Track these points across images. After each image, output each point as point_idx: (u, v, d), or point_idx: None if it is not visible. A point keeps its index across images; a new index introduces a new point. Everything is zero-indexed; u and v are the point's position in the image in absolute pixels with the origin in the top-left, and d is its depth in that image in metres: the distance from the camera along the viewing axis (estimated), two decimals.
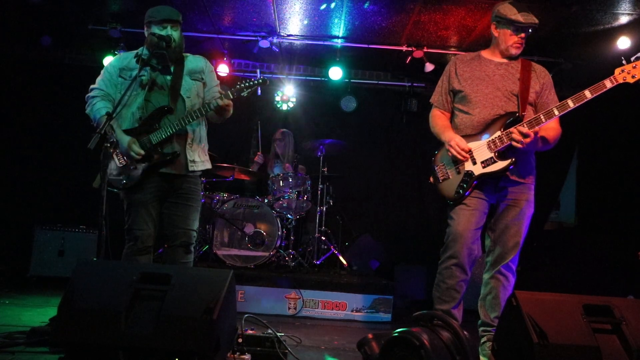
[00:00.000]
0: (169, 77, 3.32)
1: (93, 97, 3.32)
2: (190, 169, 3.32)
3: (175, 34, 3.28)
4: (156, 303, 2.30)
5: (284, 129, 6.50)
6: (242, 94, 3.25)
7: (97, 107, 3.26)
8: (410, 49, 5.90)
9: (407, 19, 5.33)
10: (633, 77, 2.86)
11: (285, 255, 5.44)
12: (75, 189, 6.43)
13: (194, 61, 3.45)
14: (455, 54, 5.82)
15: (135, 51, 3.34)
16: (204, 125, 3.49)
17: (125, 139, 3.19)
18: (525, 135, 2.95)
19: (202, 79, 3.44)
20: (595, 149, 6.61)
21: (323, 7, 5.12)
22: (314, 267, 5.47)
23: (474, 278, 3.27)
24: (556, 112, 2.97)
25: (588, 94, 2.90)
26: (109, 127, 2.88)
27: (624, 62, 2.89)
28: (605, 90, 2.89)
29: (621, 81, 2.88)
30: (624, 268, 5.29)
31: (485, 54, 3.32)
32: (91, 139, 2.76)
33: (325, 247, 5.73)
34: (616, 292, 4.97)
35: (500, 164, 3.05)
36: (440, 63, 5.88)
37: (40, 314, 3.85)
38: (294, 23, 5.59)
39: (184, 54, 3.44)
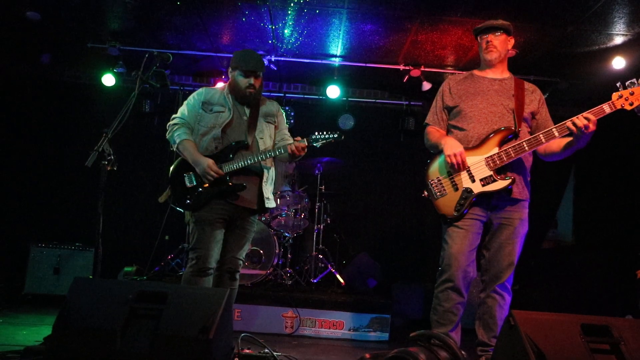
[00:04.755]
0: (245, 118, 3.48)
1: (174, 124, 3.49)
2: (267, 205, 3.48)
3: (257, 82, 3.44)
4: (152, 322, 2.28)
5: None
6: (315, 145, 3.40)
7: (178, 133, 3.42)
8: (407, 67, 5.94)
9: (404, 39, 5.38)
10: (631, 104, 2.91)
11: (283, 273, 5.41)
12: (72, 207, 6.42)
13: (268, 105, 3.63)
14: (452, 73, 5.88)
15: (220, 88, 3.56)
16: (274, 167, 3.64)
17: (205, 160, 3.30)
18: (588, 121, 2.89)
19: (275, 122, 3.62)
20: (592, 168, 6.63)
21: None
22: (311, 285, 5.44)
23: (471, 297, 3.26)
24: (556, 134, 2.99)
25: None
26: (106, 144, 2.89)
27: (619, 86, 2.92)
28: (604, 115, 2.93)
29: (619, 107, 2.93)
30: (622, 287, 5.27)
31: (477, 72, 3.39)
32: (89, 156, 2.77)
33: (323, 265, 5.70)
34: (614, 312, 4.95)
35: (501, 183, 3.06)
36: (438, 82, 5.90)
37: (34, 332, 3.81)
38: (291, 42, 5.63)
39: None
